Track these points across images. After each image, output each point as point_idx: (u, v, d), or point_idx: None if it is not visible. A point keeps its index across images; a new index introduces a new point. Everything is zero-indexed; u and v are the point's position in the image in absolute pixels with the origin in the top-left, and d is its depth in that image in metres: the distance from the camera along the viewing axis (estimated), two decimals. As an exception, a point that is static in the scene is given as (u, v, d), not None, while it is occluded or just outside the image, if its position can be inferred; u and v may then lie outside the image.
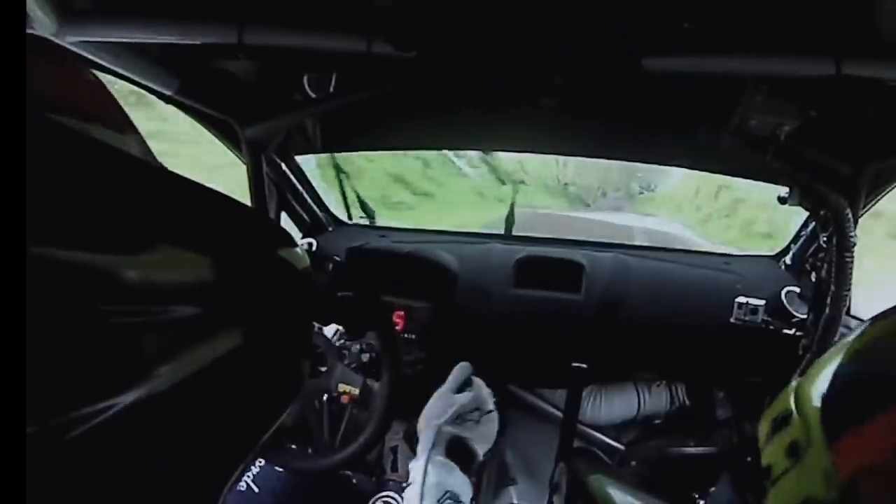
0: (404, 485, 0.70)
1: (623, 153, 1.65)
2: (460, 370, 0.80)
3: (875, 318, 0.43)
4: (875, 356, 0.41)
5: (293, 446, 1.05)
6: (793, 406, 0.44)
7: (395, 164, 7.76)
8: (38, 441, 0.21)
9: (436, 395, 0.78)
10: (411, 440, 1.52)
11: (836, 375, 0.41)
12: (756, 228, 7.93)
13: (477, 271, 1.62)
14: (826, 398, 0.41)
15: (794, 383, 0.46)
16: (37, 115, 0.25)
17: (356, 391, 1.05)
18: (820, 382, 0.42)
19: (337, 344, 1.14)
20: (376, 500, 1.05)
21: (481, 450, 0.75)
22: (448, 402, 0.76)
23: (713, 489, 1.25)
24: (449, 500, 0.66)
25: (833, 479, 0.38)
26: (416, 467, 0.70)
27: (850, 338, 0.43)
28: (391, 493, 1.03)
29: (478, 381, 0.81)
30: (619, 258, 1.63)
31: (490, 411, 0.78)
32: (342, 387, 1.07)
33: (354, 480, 1.17)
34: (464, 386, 0.79)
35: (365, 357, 1.10)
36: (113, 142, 0.32)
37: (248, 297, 0.34)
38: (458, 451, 0.72)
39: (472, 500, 0.71)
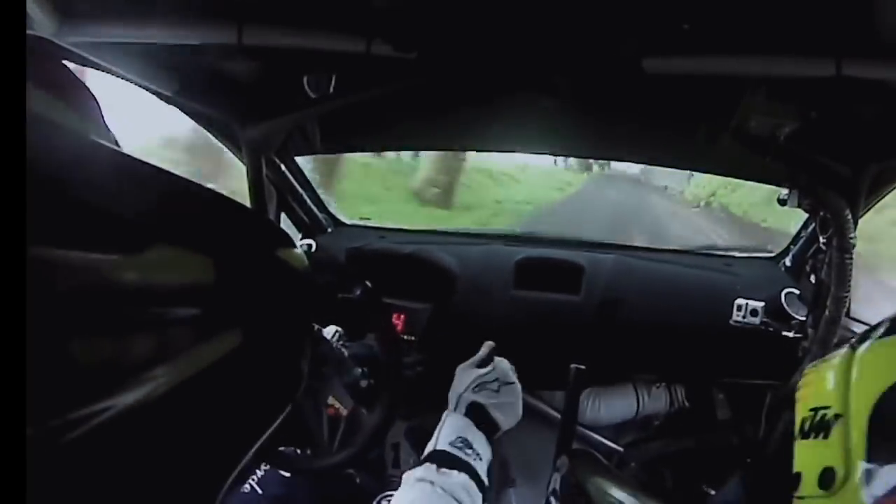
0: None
1: (623, 153, 1.65)
2: (485, 348, 0.87)
3: None
4: None
5: (296, 450, 1.05)
6: (839, 409, 0.40)
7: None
8: (37, 442, 0.21)
9: (458, 369, 0.84)
10: (412, 437, 1.51)
11: (886, 402, 0.37)
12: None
13: (477, 272, 1.62)
14: (873, 428, 0.37)
15: (844, 375, 0.41)
16: (36, 115, 0.24)
17: (344, 412, 1.05)
18: (870, 396, 0.38)
19: (337, 346, 1.14)
20: (380, 499, 1.05)
21: (501, 418, 0.79)
22: (467, 375, 0.82)
23: (722, 489, 1.24)
24: (461, 443, 0.72)
25: None
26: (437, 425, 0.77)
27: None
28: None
29: (499, 359, 0.86)
30: (619, 259, 1.63)
31: (511, 383, 0.82)
32: (332, 400, 1.06)
33: (358, 480, 1.16)
34: (485, 363, 0.84)
35: (364, 383, 1.10)
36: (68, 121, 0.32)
37: (247, 297, 0.34)
38: (476, 414, 0.78)
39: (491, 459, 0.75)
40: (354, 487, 1.14)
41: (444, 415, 0.78)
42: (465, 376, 0.82)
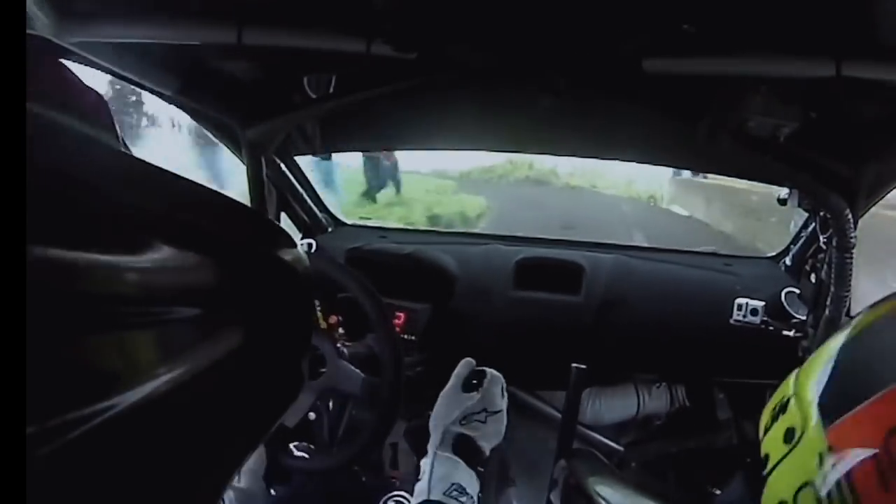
0: (417, 481, 0.74)
1: (622, 153, 1.65)
2: (463, 367, 0.84)
3: (871, 307, 0.45)
4: (867, 343, 0.42)
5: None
6: (791, 392, 0.45)
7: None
8: (37, 442, 0.21)
9: (442, 394, 0.82)
10: (411, 438, 1.52)
11: (833, 362, 0.43)
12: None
13: (476, 273, 1.62)
14: (821, 384, 0.42)
15: (794, 373, 0.47)
16: (36, 114, 0.24)
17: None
18: (816, 369, 0.44)
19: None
20: (387, 499, 1.05)
21: (487, 446, 0.80)
22: (454, 403, 0.80)
23: (725, 489, 1.25)
24: (455, 492, 0.73)
25: (827, 461, 0.39)
26: (424, 464, 0.77)
27: (848, 326, 0.45)
28: (403, 493, 1.04)
29: (492, 376, 0.84)
30: (619, 259, 1.63)
31: (497, 411, 0.82)
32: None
33: (364, 478, 1.17)
34: (473, 379, 0.83)
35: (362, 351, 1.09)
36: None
37: (248, 297, 0.34)
38: (463, 448, 0.78)
39: (479, 492, 0.76)
40: (360, 485, 1.14)
41: (431, 451, 0.78)
42: (451, 405, 0.80)
